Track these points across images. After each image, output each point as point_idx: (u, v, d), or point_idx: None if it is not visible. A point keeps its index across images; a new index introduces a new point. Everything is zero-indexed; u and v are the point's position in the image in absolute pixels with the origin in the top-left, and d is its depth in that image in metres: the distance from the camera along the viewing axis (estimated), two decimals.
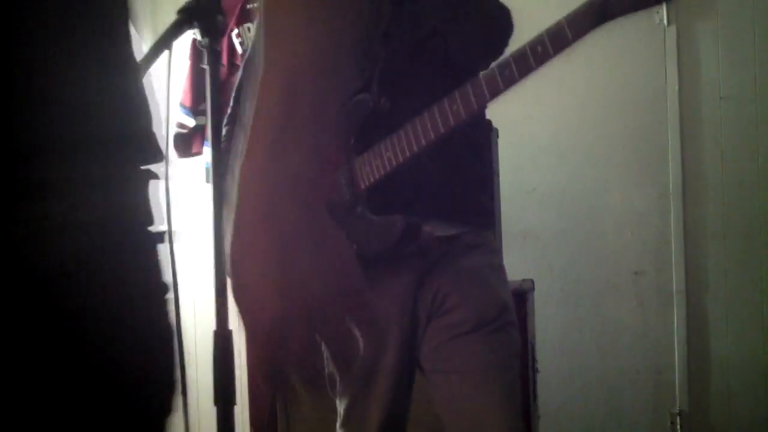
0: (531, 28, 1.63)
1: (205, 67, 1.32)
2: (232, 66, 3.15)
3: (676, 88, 3.10)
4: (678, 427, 3.09)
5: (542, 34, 1.49)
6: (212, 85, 1.32)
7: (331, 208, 1.67)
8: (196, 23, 1.30)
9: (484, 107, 1.62)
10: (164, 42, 1.31)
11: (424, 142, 1.59)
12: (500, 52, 1.75)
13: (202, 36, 1.31)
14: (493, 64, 1.55)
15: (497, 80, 1.52)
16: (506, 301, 1.75)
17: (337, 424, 1.79)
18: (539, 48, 1.50)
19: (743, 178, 3.08)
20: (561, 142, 3.09)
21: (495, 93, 1.55)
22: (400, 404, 1.76)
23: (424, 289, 1.73)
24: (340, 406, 1.78)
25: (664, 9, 3.10)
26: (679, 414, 3.09)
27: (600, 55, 3.16)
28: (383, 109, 1.68)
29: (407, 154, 1.62)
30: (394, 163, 1.64)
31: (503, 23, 1.78)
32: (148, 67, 1.28)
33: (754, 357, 3.06)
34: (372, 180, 1.68)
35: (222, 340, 1.30)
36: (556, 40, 1.48)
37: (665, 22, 3.11)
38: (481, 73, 1.56)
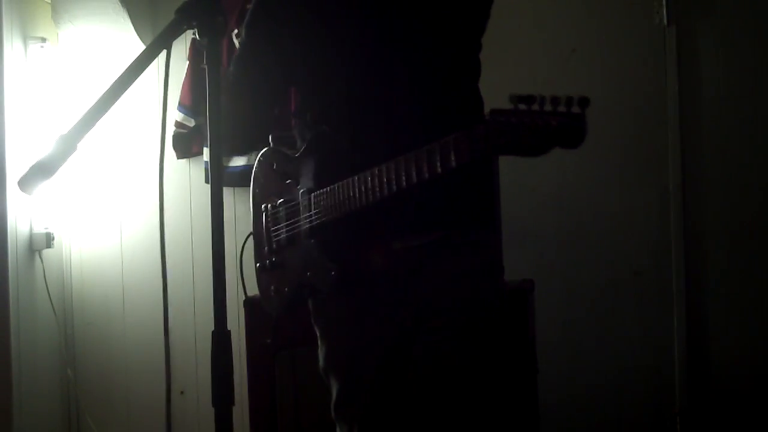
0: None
1: (204, 67, 1.31)
2: None
3: (676, 88, 3.10)
4: (678, 427, 3.09)
5: (448, 140, 1.42)
6: (212, 85, 1.31)
7: (294, 235, 1.64)
8: (194, 23, 1.29)
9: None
10: (162, 41, 1.28)
11: (387, 193, 1.55)
12: (481, 24, 1.75)
13: (201, 36, 1.29)
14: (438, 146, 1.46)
15: (449, 153, 1.44)
16: (491, 302, 1.76)
17: (332, 404, 1.86)
18: (438, 156, 1.43)
19: (743, 178, 3.08)
20: None
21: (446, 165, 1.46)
22: (385, 402, 1.81)
23: (409, 295, 1.74)
24: (332, 391, 1.86)
25: (664, 9, 3.11)
26: (679, 414, 3.09)
27: (600, 55, 3.16)
28: (344, 142, 1.69)
29: (369, 200, 1.59)
30: (354, 206, 1.62)
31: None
32: (146, 67, 1.27)
33: (754, 357, 3.06)
34: (330, 216, 1.67)
35: (220, 340, 1.29)
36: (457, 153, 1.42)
37: (665, 22, 3.11)
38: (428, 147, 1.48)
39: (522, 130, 1.30)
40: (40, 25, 3.44)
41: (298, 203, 1.75)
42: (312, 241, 1.72)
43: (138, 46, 3.41)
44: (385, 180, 1.54)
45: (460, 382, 1.70)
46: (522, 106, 1.30)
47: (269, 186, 1.87)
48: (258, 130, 1.90)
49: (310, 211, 1.72)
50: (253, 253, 1.92)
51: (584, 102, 1.31)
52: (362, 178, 1.59)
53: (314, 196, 1.71)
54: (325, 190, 1.68)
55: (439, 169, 1.44)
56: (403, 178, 1.51)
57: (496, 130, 1.32)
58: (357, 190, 1.60)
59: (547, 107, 1.31)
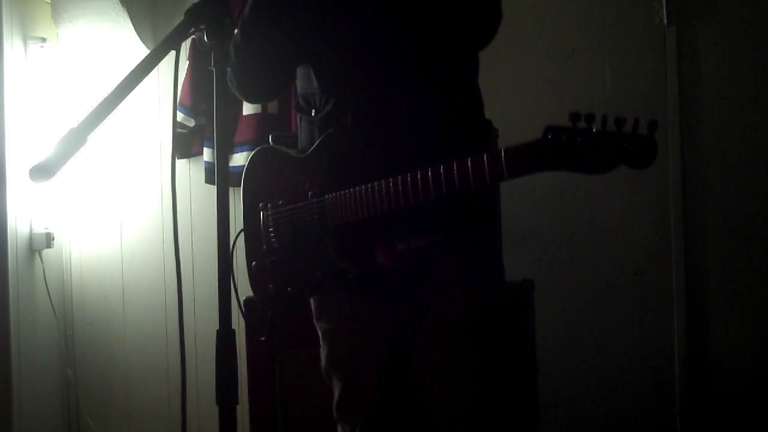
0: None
1: (212, 69, 1.31)
2: None
3: (676, 88, 3.10)
4: (678, 427, 3.09)
5: (497, 152, 1.46)
6: (219, 87, 1.30)
7: (301, 236, 1.63)
8: (203, 25, 1.29)
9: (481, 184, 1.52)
10: (171, 42, 1.28)
11: (402, 204, 1.56)
12: (487, 36, 1.73)
13: (209, 38, 1.29)
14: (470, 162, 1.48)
15: (482, 168, 1.47)
16: (492, 303, 1.75)
17: (334, 404, 1.87)
18: (486, 165, 1.46)
19: (743, 178, 3.08)
20: None
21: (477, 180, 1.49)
22: (387, 403, 1.81)
23: (411, 296, 1.74)
24: (335, 392, 1.86)
25: (664, 9, 3.11)
26: (679, 414, 3.09)
27: (600, 55, 3.16)
28: (358, 144, 1.68)
29: (383, 208, 1.59)
30: (367, 213, 1.62)
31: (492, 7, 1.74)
32: (154, 67, 1.27)
33: (754, 357, 3.06)
34: (343, 220, 1.67)
35: (225, 339, 1.29)
36: (492, 169, 1.45)
37: (665, 22, 3.11)
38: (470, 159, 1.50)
39: (588, 150, 1.33)
40: (40, 25, 3.44)
41: (307, 204, 1.74)
42: (326, 242, 1.70)
43: (138, 46, 3.41)
44: (420, 188, 1.53)
45: (462, 383, 1.69)
46: (581, 125, 1.32)
47: (267, 186, 1.85)
48: (277, 77, 1.87)
49: (323, 212, 1.70)
50: (243, 253, 1.90)
51: (653, 126, 1.32)
52: (393, 184, 1.57)
53: (328, 199, 1.69)
54: (341, 193, 1.66)
55: (488, 180, 1.45)
56: (443, 186, 1.50)
57: (558, 148, 1.35)
58: (384, 195, 1.58)
59: (610, 127, 1.32)
